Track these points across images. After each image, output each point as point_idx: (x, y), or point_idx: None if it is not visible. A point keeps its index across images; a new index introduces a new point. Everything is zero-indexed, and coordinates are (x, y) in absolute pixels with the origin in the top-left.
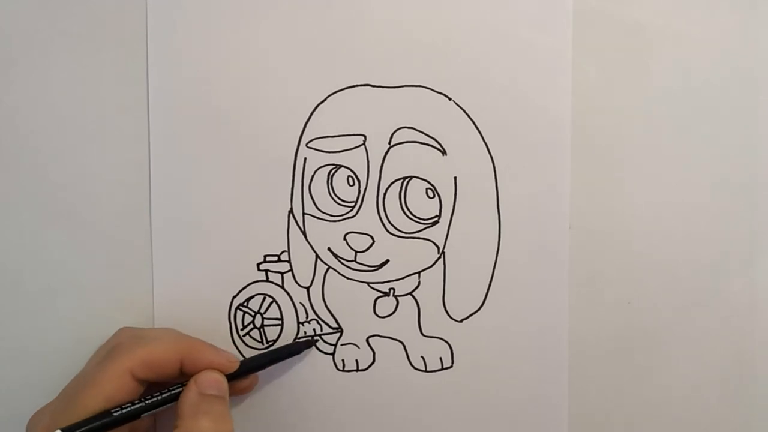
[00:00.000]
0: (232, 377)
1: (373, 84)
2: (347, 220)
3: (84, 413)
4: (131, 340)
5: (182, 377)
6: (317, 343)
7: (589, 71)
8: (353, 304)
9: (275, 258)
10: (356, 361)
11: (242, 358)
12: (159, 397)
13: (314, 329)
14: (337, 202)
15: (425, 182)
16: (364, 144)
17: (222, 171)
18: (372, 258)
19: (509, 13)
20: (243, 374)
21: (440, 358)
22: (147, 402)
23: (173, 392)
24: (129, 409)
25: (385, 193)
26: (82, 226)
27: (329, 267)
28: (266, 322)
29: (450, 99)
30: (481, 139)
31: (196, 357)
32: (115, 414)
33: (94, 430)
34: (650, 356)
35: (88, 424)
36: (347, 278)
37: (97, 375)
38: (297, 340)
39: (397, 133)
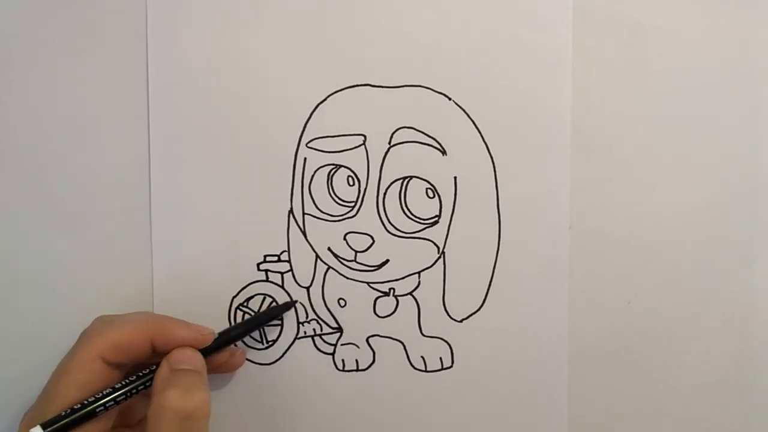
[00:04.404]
0: (211, 351)
1: (373, 84)
2: (347, 220)
3: (58, 405)
4: (101, 326)
5: (157, 357)
6: (317, 342)
7: (589, 71)
8: (353, 304)
9: (275, 258)
10: (356, 361)
11: (217, 331)
12: (133, 380)
13: (314, 329)
14: (337, 202)
15: (425, 182)
16: (364, 144)
17: (222, 171)
18: (372, 258)
19: (509, 13)
20: (221, 346)
21: (440, 358)
22: (123, 387)
23: (147, 374)
24: (104, 396)
25: (385, 193)
26: (82, 226)
27: (329, 267)
28: None
29: (450, 99)
30: (481, 139)
31: (166, 335)
32: (89, 403)
33: (72, 424)
34: (650, 356)
35: (66, 418)
36: (347, 278)
37: (68, 364)
38: (275, 306)
39: (397, 133)
